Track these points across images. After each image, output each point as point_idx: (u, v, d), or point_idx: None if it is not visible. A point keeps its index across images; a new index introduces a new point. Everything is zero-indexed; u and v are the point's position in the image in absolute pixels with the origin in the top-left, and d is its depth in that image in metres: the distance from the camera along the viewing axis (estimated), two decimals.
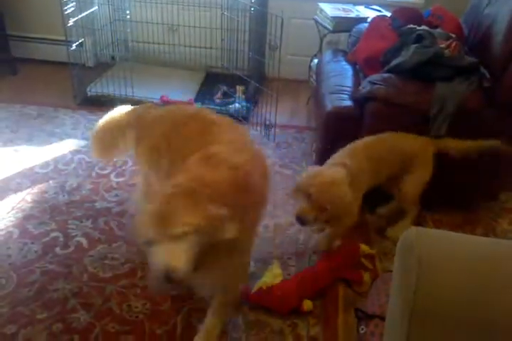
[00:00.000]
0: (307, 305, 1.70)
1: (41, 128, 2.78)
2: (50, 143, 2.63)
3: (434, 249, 1.04)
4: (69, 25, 2.97)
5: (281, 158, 2.58)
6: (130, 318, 1.67)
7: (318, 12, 3.11)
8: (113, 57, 3.55)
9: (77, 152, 2.56)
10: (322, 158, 2.31)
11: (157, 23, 3.40)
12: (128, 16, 3.35)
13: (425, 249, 1.03)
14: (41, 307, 1.69)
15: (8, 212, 2.11)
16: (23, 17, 3.50)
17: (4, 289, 1.75)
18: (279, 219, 2.15)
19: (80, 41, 3.07)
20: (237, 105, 2.99)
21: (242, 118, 2.92)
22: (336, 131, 2.20)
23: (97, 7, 3.32)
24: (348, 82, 2.42)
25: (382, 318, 1.52)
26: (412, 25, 2.47)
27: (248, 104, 3.02)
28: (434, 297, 0.97)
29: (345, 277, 1.85)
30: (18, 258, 1.88)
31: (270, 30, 3.22)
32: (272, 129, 2.78)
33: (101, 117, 2.81)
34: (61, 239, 1.98)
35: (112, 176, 2.38)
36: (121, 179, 2.36)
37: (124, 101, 2.97)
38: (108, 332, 1.62)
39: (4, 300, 1.70)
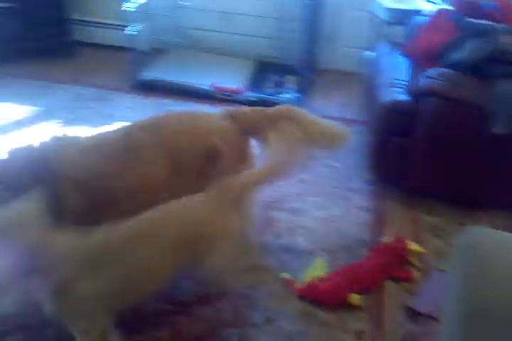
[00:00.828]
0: (355, 299, 1.71)
1: (99, 110, 2.87)
2: (106, 124, 2.71)
3: (496, 249, 1.04)
4: (127, 10, 3.04)
5: (330, 151, 2.57)
6: (179, 299, 1.72)
7: (374, 3, 3.08)
8: (167, 43, 3.60)
9: None
10: (374, 152, 2.31)
11: (212, 11, 3.44)
12: (187, 3, 3.39)
13: (487, 249, 1.03)
14: None
15: None
16: (84, 1, 3.59)
17: None
18: (327, 210, 2.17)
19: (138, 26, 3.14)
20: (287, 95, 3.00)
21: None
22: (390, 125, 2.19)
23: None
24: (404, 75, 2.39)
25: (433, 317, 1.52)
26: (473, 19, 2.42)
27: (299, 95, 3.02)
28: (494, 297, 0.97)
29: (394, 274, 1.84)
30: None
31: (324, 20, 3.22)
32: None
33: (154, 100, 2.93)
34: None
35: None
36: None
37: (176, 86, 3.08)
38: (158, 311, 1.67)
39: None
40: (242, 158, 1.65)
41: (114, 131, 1.60)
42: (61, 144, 1.50)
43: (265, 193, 2.22)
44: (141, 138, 1.53)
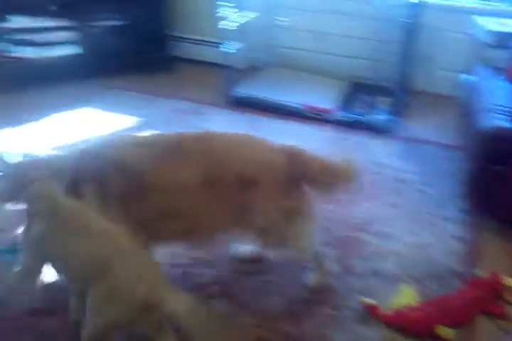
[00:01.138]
0: (446, 332, 1.63)
1: (192, 123, 2.98)
2: None
3: None
4: (225, 28, 3.16)
5: (423, 175, 2.51)
6: (267, 313, 1.73)
7: (475, 26, 2.99)
8: (261, 61, 3.69)
9: None
10: (471, 179, 2.23)
11: (307, 31, 3.49)
12: (282, 23, 3.47)
13: None
14: (187, 290, 1.82)
15: None
16: (183, 19, 3.77)
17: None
18: (417, 237, 2.10)
19: (235, 44, 3.25)
20: (379, 117, 2.97)
21: (383, 130, 2.89)
22: (489, 152, 2.10)
23: (253, 12, 3.48)
24: (506, 101, 2.29)
25: None
26: None
27: (391, 117, 2.97)
28: None
29: (488, 309, 1.75)
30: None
31: (421, 41, 3.17)
32: (416, 144, 2.73)
33: (246, 117, 3.01)
34: None
35: None
36: None
37: (268, 104, 3.14)
38: (243, 324, 1.70)
39: None
40: (286, 195, 1.65)
41: (173, 134, 1.71)
42: (119, 139, 1.72)
43: (354, 214, 2.21)
44: (190, 146, 1.62)
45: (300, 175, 1.69)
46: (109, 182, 1.56)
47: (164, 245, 1.75)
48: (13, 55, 3.36)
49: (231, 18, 3.14)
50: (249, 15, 3.39)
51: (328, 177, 1.70)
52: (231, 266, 1.93)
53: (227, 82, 3.23)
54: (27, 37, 3.41)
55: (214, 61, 3.64)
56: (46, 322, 1.68)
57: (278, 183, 1.64)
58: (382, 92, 3.13)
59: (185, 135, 1.70)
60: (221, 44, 3.29)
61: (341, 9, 3.32)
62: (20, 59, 3.39)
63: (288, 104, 3.09)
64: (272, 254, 1.97)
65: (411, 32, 2.97)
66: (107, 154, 1.60)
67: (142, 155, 1.59)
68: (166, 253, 1.96)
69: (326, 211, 2.22)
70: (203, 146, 1.62)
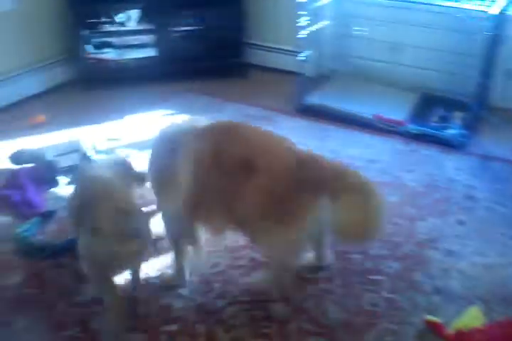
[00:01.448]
0: None
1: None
2: None
3: None
4: (301, 36, 3.19)
5: (496, 194, 2.42)
6: (325, 322, 1.74)
7: None
8: (332, 71, 3.70)
9: None
10: None
11: (381, 41, 3.46)
12: (356, 32, 3.46)
13: None
14: (244, 291, 1.86)
15: None
16: (259, 26, 3.84)
17: (217, 267, 1.97)
18: (486, 257, 2.03)
19: (307, 53, 3.27)
20: (453, 131, 2.88)
21: (455, 145, 2.81)
22: None
23: (326, 22, 3.49)
24: None
25: None
26: None
27: (464, 132, 2.89)
28: None
29: None
30: (231, 241, 2.08)
31: (503, 54, 3.05)
32: (489, 161, 2.63)
33: (315, 125, 3.03)
34: None
35: None
36: None
37: (338, 113, 3.14)
38: (302, 330, 1.71)
39: (218, 276, 1.92)
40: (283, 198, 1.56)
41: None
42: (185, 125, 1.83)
43: (420, 230, 2.17)
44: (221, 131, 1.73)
45: (309, 180, 1.57)
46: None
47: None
48: (95, 56, 3.56)
49: (307, 26, 3.17)
50: (324, 24, 3.41)
51: (340, 186, 1.56)
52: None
53: (298, 89, 3.26)
54: (109, 39, 3.60)
55: (287, 69, 3.68)
56: None
57: (279, 182, 1.57)
58: (456, 106, 3.04)
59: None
60: (295, 52, 3.32)
61: (419, 20, 3.26)
62: (102, 60, 3.59)
63: (358, 114, 3.07)
64: (333, 263, 1.98)
65: (491, 45, 2.87)
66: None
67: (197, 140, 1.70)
68: (226, 255, 2.02)
69: (391, 224, 2.19)
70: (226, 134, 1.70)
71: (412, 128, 2.94)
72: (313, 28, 3.24)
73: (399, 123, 2.97)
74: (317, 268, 1.97)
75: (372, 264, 1.99)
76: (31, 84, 3.42)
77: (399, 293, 1.86)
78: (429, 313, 1.75)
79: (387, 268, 1.97)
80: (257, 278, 1.91)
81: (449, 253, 2.05)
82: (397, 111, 3.13)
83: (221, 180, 1.63)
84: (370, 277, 1.93)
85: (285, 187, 1.57)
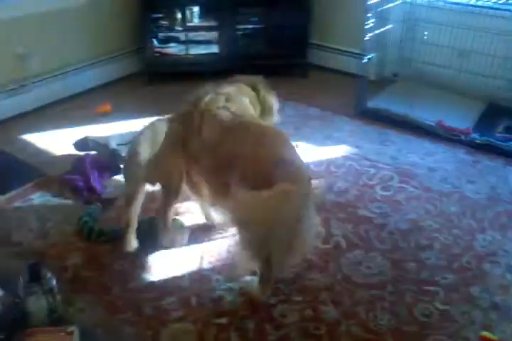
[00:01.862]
0: None
1: (320, 130, 3.02)
2: (326, 145, 2.84)
3: None
4: (365, 39, 3.15)
5: None
6: (374, 328, 1.72)
7: None
8: (395, 75, 3.63)
9: (348, 158, 2.71)
10: None
11: (447, 47, 3.36)
12: (425, 37, 3.39)
13: None
14: (297, 291, 1.86)
15: None
16: (325, 28, 3.82)
17: None
18: None
19: (371, 56, 3.23)
20: None
21: None
22: None
23: (392, 25, 3.43)
24: None
25: None
26: None
27: None
28: None
29: None
30: None
31: None
32: None
33: (375, 129, 2.99)
34: (323, 234, 2.13)
35: (378, 188, 2.45)
36: (386, 193, 2.42)
37: (399, 118, 3.08)
38: (351, 334, 1.70)
39: None
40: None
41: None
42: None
43: (479, 243, 2.10)
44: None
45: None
46: None
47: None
48: (160, 50, 3.65)
49: (372, 29, 3.13)
50: (389, 27, 3.35)
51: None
52: (343, 275, 1.93)
53: (359, 92, 3.22)
54: (174, 34, 3.68)
55: (348, 70, 3.65)
56: None
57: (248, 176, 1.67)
58: None
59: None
60: (357, 54, 3.29)
61: (488, 26, 3.15)
62: (166, 54, 3.67)
63: (420, 120, 3.00)
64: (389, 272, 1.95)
65: None
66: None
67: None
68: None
69: (450, 235, 2.14)
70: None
71: (476, 137, 2.85)
72: (379, 30, 3.20)
73: (463, 132, 2.88)
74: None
75: (427, 274, 1.94)
76: (99, 75, 3.55)
77: (453, 305, 1.81)
78: (485, 329, 1.70)
79: (442, 279, 1.92)
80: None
81: (509, 268, 1.98)
82: (461, 119, 3.04)
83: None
84: (425, 287, 1.89)
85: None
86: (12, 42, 3.05)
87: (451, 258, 2.02)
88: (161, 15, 3.64)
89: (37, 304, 1.44)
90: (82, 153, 2.67)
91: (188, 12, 3.63)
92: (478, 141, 2.83)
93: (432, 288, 1.88)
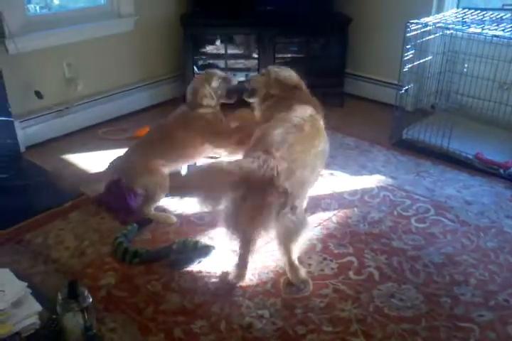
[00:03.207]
0: None
1: (355, 159, 3.02)
2: (361, 175, 2.84)
3: None
4: (404, 70, 3.17)
5: None
6: None
7: None
8: (432, 106, 3.62)
9: (383, 188, 2.70)
10: None
11: (487, 79, 3.34)
12: (465, 69, 3.38)
13: None
14: (328, 321, 1.84)
15: (315, 226, 2.37)
16: (362, 58, 3.87)
17: (301, 293, 1.97)
18: None
19: (408, 87, 3.24)
20: None
21: None
22: None
23: (431, 57, 3.44)
24: None
25: None
26: None
27: None
28: None
29: None
30: (316, 269, 2.09)
31: None
32: None
33: (411, 160, 2.97)
34: (355, 264, 2.12)
35: (413, 220, 2.43)
36: (421, 225, 2.39)
37: (436, 150, 3.07)
38: None
39: (300, 302, 1.92)
40: None
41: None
42: None
43: None
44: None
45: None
46: None
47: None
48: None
49: (411, 60, 3.15)
50: (428, 59, 3.37)
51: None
52: (376, 307, 1.90)
53: (396, 122, 3.23)
54: (215, 61, 3.79)
55: (385, 101, 3.67)
56: None
57: None
58: None
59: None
60: (394, 84, 3.31)
61: None
62: None
63: (457, 152, 2.98)
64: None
65: None
66: None
67: None
68: (308, 284, 2.02)
69: (486, 271, 2.09)
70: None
71: None
72: (418, 62, 3.21)
73: (501, 165, 2.84)
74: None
75: (462, 311, 1.89)
76: (141, 99, 3.67)
77: None
78: None
79: (478, 316, 1.87)
80: None
81: None
82: (500, 152, 3.00)
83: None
84: (459, 323, 1.84)
85: None
86: (61, 66, 3.21)
87: (488, 294, 1.97)
88: (203, 42, 3.78)
89: (73, 321, 1.48)
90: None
91: (229, 40, 3.74)
92: None
93: (467, 325, 1.83)
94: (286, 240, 1.91)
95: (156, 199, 2.45)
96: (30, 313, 1.58)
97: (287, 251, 1.95)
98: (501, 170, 2.82)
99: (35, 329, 1.56)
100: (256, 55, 3.69)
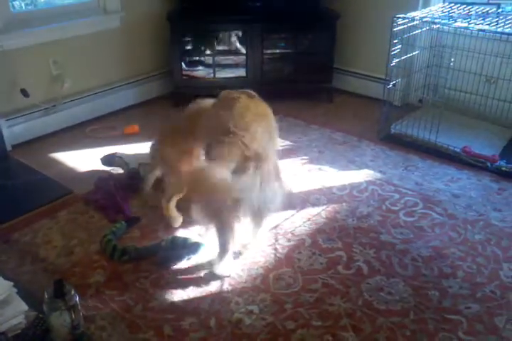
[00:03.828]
0: None
1: (344, 154, 3.03)
2: (349, 169, 2.85)
3: None
4: (391, 65, 3.18)
5: None
6: None
7: None
8: (420, 100, 3.63)
9: (371, 183, 2.71)
10: None
11: (474, 73, 3.36)
12: (451, 64, 3.39)
13: None
14: (317, 316, 1.84)
15: (304, 222, 2.37)
16: (350, 53, 3.87)
17: (291, 288, 1.97)
18: None
19: (396, 81, 3.25)
20: None
21: None
22: None
23: (418, 51, 3.45)
24: None
25: None
26: None
27: None
28: None
29: None
30: (305, 264, 2.09)
31: None
32: None
33: (399, 154, 2.98)
34: (344, 259, 2.13)
35: (401, 214, 2.44)
36: (409, 219, 2.40)
37: (424, 144, 3.08)
38: None
39: (290, 298, 1.92)
40: None
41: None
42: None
43: (505, 273, 2.06)
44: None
45: None
46: None
47: None
48: (188, 73, 3.73)
49: (398, 55, 3.16)
50: (415, 54, 3.38)
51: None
52: (365, 301, 1.91)
53: (383, 117, 3.24)
54: (202, 58, 3.77)
55: (373, 95, 3.68)
56: None
57: None
58: None
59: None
60: (382, 79, 3.32)
61: None
62: (193, 77, 3.75)
63: (445, 146, 2.99)
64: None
65: None
66: None
67: None
68: (299, 277, 2.02)
69: (473, 263, 2.10)
70: None
71: (503, 165, 2.82)
72: (405, 57, 3.22)
73: (489, 159, 2.86)
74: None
75: (450, 303, 1.91)
76: (129, 96, 3.65)
77: (477, 336, 1.77)
78: None
79: (466, 308, 1.88)
80: None
81: None
82: (487, 146, 3.02)
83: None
84: (447, 316, 1.85)
85: None
86: (47, 63, 3.18)
87: (475, 287, 1.99)
88: (190, 38, 3.75)
89: (60, 320, 1.47)
90: (107, 169, 2.78)
91: (216, 36, 3.73)
92: (504, 169, 2.80)
93: (454, 317, 1.85)
94: None
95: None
96: (16, 313, 1.57)
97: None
98: (488, 164, 2.84)
99: (21, 328, 1.55)
100: (244, 51, 3.68)
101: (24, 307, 1.57)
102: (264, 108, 2.16)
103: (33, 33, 3.05)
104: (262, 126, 2.02)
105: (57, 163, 2.94)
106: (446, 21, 3.02)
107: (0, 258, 2.12)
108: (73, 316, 1.49)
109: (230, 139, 1.90)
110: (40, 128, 3.21)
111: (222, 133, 1.93)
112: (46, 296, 1.50)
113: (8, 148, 3.00)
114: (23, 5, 3.30)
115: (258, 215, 2.09)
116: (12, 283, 1.68)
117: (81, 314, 1.55)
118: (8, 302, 1.57)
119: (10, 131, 3.03)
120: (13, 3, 3.13)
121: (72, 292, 1.53)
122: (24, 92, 3.06)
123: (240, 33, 3.71)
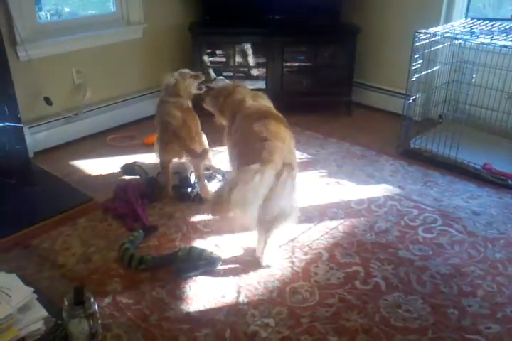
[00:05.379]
0: None
1: (362, 168, 3.02)
2: (368, 184, 2.83)
3: None
4: (412, 80, 3.17)
5: None
6: None
7: None
8: (440, 116, 3.61)
9: (390, 198, 2.69)
10: None
11: (496, 90, 3.34)
12: (473, 80, 3.38)
13: None
14: (333, 331, 1.82)
15: (322, 235, 2.36)
16: (370, 68, 3.88)
17: (307, 302, 1.96)
18: None
19: (416, 96, 3.24)
20: None
21: None
22: None
23: (439, 66, 3.45)
24: None
25: None
26: None
27: None
28: None
29: None
30: (322, 278, 2.08)
31: None
32: None
33: (418, 170, 2.96)
34: (362, 274, 2.11)
35: (420, 230, 2.41)
36: (428, 235, 2.38)
37: (444, 160, 3.05)
38: None
39: (306, 311, 1.91)
40: None
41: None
42: None
43: None
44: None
45: None
46: None
47: None
48: (207, 84, 3.76)
49: (419, 70, 3.15)
50: (436, 69, 3.37)
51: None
52: (382, 318, 1.89)
53: (403, 132, 3.22)
54: (222, 69, 3.81)
55: (392, 110, 3.68)
56: None
57: None
58: None
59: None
60: (402, 94, 3.31)
61: None
62: (215, 89, 3.78)
63: (465, 162, 2.96)
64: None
65: None
66: None
67: None
68: (316, 291, 2.01)
69: (494, 283, 2.07)
70: None
71: None
72: (426, 72, 3.22)
73: (510, 176, 2.82)
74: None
75: (469, 322, 1.87)
76: (150, 107, 3.67)
77: None
78: None
79: (486, 328, 1.85)
80: None
81: None
82: (508, 163, 2.98)
83: None
84: (466, 335, 1.82)
85: None
86: (70, 72, 3.24)
87: (496, 307, 1.95)
88: (211, 50, 3.80)
89: (79, 327, 1.48)
90: (127, 178, 2.82)
91: (237, 49, 3.76)
92: None
93: (474, 337, 1.81)
94: None
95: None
96: (35, 319, 1.58)
97: None
98: (510, 181, 2.81)
99: (40, 334, 1.56)
100: (264, 63, 3.70)
101: (44, 313, 1.58)
102: (283, 119, 2.33)
103: (57, 43, 3.13)
104: (290, 136, 2.22)
105: (77, 171, 2.98)
106: (468, 37, 3.01)
107: (20, 264, 2.15)
108: (92, 324, 1.50)
109: (277, 144, 2.05)
110: (62, 135, 3.26)
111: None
112: (66, 303, 1.51)
113: (31, 154, 3.05)
114: (48, 15, 3.38)
115: (271, 222, 2.05)
116: (32, 289, 1.70)
117: (99, 322, 1.56)
118: (29, 308, 1.59)
119: (32, 138, 3.08)
120: (39, 13, 3.21)
121: (92, 299, 1.53)
122: (47, 100, 3.12)
123: (261, 46, 3.74)
